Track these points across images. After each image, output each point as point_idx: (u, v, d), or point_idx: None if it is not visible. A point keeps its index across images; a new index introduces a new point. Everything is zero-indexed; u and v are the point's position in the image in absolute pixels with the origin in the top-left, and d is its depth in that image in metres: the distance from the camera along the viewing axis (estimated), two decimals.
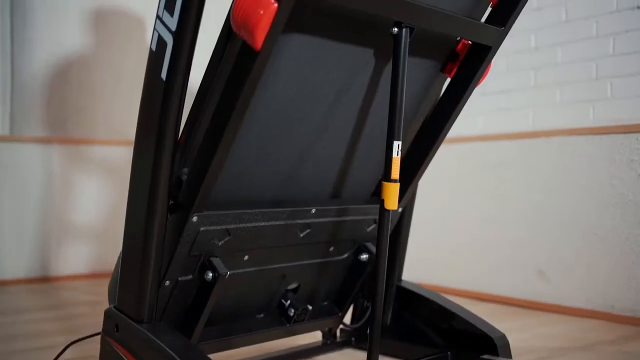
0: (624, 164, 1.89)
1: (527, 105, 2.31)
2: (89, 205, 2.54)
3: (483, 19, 1.10)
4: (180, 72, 0.84)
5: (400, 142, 0.95)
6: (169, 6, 0.84)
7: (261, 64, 0.80)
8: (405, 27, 0.93)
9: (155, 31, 0.86)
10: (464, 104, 1.14)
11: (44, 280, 2.42)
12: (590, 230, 1.97)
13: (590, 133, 1.93)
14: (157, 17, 0.86)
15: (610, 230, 1.91)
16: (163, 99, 0.85)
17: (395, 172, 0.95)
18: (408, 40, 0.94)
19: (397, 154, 0.94)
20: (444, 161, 2.40)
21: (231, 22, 0.81)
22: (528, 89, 2.31)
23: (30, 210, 2.40)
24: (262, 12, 0.77)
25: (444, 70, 1.14)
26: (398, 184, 0.95)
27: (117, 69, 2.62)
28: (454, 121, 1.15)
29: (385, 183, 0.95)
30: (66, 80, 2.51)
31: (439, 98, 1.18)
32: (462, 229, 2.39)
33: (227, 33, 0.87)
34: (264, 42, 0.78)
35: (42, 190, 2.43)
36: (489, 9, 1.10)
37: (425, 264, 2.48)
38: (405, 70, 0.95)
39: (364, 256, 1.22)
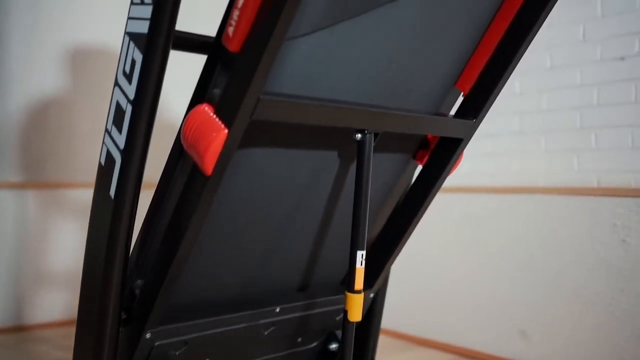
0: (607, 228, 1.85)
1: (512, 150, 2.27)
2: (65, 251, 2.49)
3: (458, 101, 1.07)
4: (130, 191, 0.80)
5: (364, 252, 0.91)
6: (117, 121, 0.80)
7: (213, 187, 0.76)
8: (369, 133, 0.89)
9: (104, 144, 0.82)
10: (437, 191, 1.11)
11: (18, 329, 2.36)
12: (574, 292, 1.94)
13: (573, 193, 1.90)
14: (106, 130, 0.82)
15: (594, 294, 1.88)
16: (112, 217, 0.81)
17: (359, 283, 0.91)
18: (372, 145, 0.90)
19: (361, 264, 0.90)
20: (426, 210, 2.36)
21: (182, 140, 0.77)
22: (513, 134, 2.28)
23: (4, 257, 2.35)
24: (211, 137, 0.73)
25: (415, 157, 1.11)
26: (362, 295, 0.91)
27: (96, 110, 2.57)
28: (426, 208, 1.12)
29: (348, 294, 0.91)
30: (42, 123, 2.46)
31: (411, 184, 1.14)
32: (443, 283, 2.35)
33: (179, 149, 0.83)
34: (215, 167, 0.74)
35: (16, 236, 2.37)
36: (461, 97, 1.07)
37: (406, 313, 2.44)
38: (370, 176, 0.91)
39: (334, 346, 1.18)
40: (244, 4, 0.68)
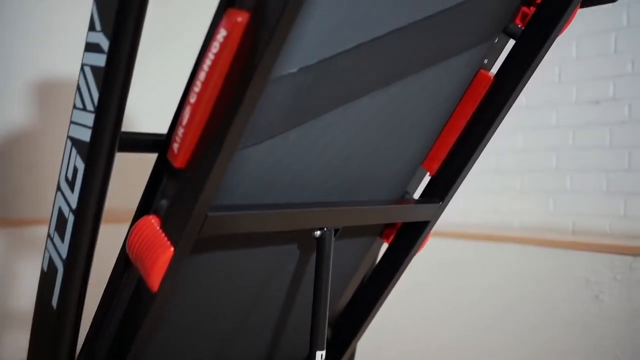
0: (581, 283, 1.83)
1: (488, 189, 2.26)
2: (32, 290, 2.42)
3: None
4: (73, 303, 0.75)
5: (323, 352, 0.87)
6: (59, 228, 0.75)
7: (161, 302, 0.72)
8: (329, 229, 0.85)
9: (46, 250, 0.78)
10: (403, 271, 1.07)
11: None
12: (548, 346, 1.91)
13: (547, 245, 1.88)
14: (48, 235, 0.77)
15: (569, 351, 1.85)
16: (54, 328, 0.76)
17: None
18: (332, 240, 0.87)
19: None
20: None
21: (127, 250, 0.72)
22: (489, 174, 2.26)
23: None
24: (156, 255, 0.69)
25: (381, 235, 1.07)
26: None
27: (63, 145, 2.51)
28: (392, 287, 1.08)
29: None
30: (6, 158, 2.40)
31: (376, 262, 1.11)
32: (413, 330, 2.32)
33: (126, 258, 0.79)
34: (162, 283, 0.70)
35: None
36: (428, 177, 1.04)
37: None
38: (330, 273, 0.87)
39: None
40: (189, 121, 0.64)
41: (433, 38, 0.81)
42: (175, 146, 0.66)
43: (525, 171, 2.18)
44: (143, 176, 0.79)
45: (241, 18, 0.59)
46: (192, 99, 0.63)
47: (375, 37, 0.74)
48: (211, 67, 0.61)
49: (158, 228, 0.70)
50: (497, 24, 0.89)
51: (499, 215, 2.25)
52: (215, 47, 0.61)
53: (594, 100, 2.01)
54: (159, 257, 0.68)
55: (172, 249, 0.68)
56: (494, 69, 0.96)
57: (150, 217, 0.71)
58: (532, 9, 0.89)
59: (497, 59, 0.96)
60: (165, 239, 0.68)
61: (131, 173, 2.06)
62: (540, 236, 2.02)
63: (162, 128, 0.78)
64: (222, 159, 0.63)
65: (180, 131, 0.65)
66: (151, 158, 0.76)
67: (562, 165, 2.09)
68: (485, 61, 0.94)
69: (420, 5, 0.75)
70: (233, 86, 0.62)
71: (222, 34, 0.60)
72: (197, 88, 0.63)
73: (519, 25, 0.91)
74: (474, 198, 2.28)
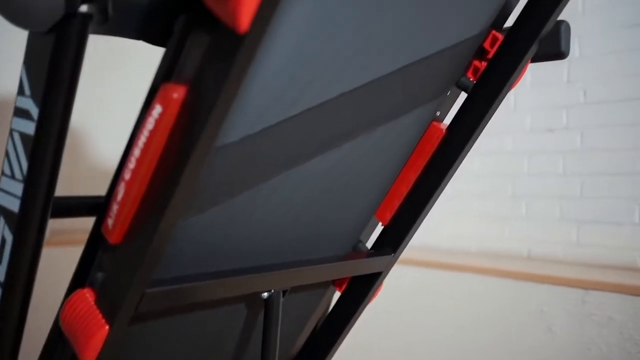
0: (535, 314, 1.84)
1: (447, 215, 2.26)
2: None
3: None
4: None
5: None
6: None
7: None
8: (277, 291, 0.83)
9: None
10: (356, 320, 1.05)
11: None
12: None
13: (503, 275, 1.89)
14: None
15: None
16: None
17: None
18: (280, 301, 0.84)
19: None
20: None
21: (60, 323, 0.68)
22: (446, 198, 2.26)
23: None
24: (90, 333, 0.65)
25: (334, 283, 1.05)
26: None
27: None
28: (345, 336, 1.06)
29: None
30: None
31: (329, 310, 1.09)
32: (367, 357, 2.30)
33: (59, 329, 0.74)
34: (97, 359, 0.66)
35: None
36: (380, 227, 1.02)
37: None
38: (278, 334, 0.84)
39: None
40: (124, 198, 0.61)
41: (385, 98, 0.79)
42: (110, 222, 0.62)
43: (482, 196, 2.20)
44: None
45: (177, 94, 0.56)
46: (127, 175, 0.60)
47: (323, 101, 0.71)
48: (146, 145, 0.58)
49: (92, 303, 0.66)
50: (450, 79, 0.88)
51: (456, 240, 2.25)
52: (150, 123, 0.57)
53: (548, 128, 2.03)
54: (93, 335, 0.65)
55: (107, 327, 0.64)
56: (447, 119, 0.95)
57: (85, 290, 0.67)
58: (484, 64, 0.88)
59: (449, 110, 0.95)
60: (100, 315, 0.65)
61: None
62: (496, 261, 2.03)
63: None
64: (160, 235, 0.60)
65: (115, 207, 0.62)
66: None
67: (517, 191, 2.11)
68: (438, 113, 0.92)
69: (371, 67, 0.73)
70: (171, 162, 0.58)
71: (157, 110, 0.57)
72: (131, 165, 0.59)
73: (471, 79, 0.90)
74: (432, 222, 2.28)
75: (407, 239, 0.98)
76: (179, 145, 0.58)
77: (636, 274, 1.75)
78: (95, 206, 0.74)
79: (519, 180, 2.09)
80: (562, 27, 0.86)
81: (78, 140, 2.31)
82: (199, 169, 0.58)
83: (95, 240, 0.71)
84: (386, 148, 0.88)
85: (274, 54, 0.62)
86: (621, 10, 1.85)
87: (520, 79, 0.90)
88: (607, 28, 1.88)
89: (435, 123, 0.92)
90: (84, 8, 0.61)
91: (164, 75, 0.60)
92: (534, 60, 0.89)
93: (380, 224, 1.00)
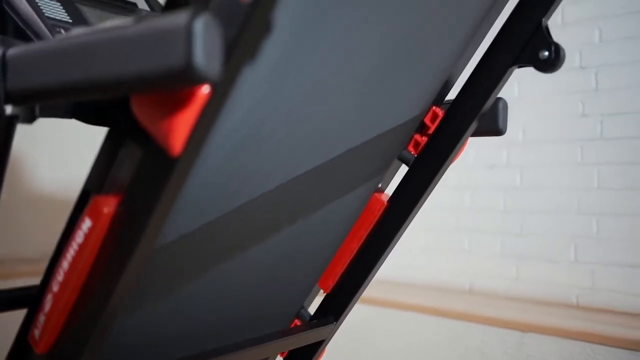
0: (475, 355, 1.87)
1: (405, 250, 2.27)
2: None
3: None
4: None
5: None
6: None
7: None
8: None
9: None
10: None
11: None
12: None
13: (443, 315, 1.91)
14: None
15: None
16: None
17: None
18: None
19: None
20: None
21: None
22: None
23: None
24: None
25: None
26: None
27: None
28: None
29: None
30: None
31: None
32: None
33: None
34: None
35: None
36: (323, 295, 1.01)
37: None
38: None
39: None
40: (52, 310, 0.58)
41: (327, 181, 0.78)
42: (36, 332, 0.60)
43: (427, 229, 2.22)
44: None
45: (108, 208, 0.54)
46: (55, 287, 0.57)
47: (265, 191, 0.70)
48: (75, 258, 0.55)
49: None
50: (393, 154, 0.89)
51: (404, 271, 2.27)
52: (79, 236, 0.55)
53: (489, 165, 2.07)
54: None
55: None
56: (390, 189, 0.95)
57: None
58: (425, 138, 0.89)
59: (390, 180, 0.95)
60: None
61: None
62: (439, 296, 2.06)
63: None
64: (92, 346, 0.58)
65: (42, 318, 0.59)
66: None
67: (460, 224, 2.15)
68: (380, 185, 0.93)
69: (312, 155, 0.73)
70: (103, 271, 0.56)
71: (87, 224, 0.55)
72: (60, 277, 0.57)
73: (412, 152, 0.90)
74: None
75: (349, 307, 0.98)
76: (111, 255, 0.56)
77: (572, 312, 1.80)
78: (28, 298, 0.71)
79: (462, 214, 2.13)
80: (500, 105, 0.87)
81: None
82: (134, 277, 0.56)
83: (24, 339, 0.68)
84: (329, 223, 0.88)
85: (211, 157, 0.61)
86: None
87: (461, 152, 0.91)
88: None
89: (376, 195, 0.93)
90: (9, 110, 0.58)
91: (95, 184, 0.57)
92: (473, 135, 0.90)
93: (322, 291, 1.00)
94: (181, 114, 0.47)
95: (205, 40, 0.42)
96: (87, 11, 0.92)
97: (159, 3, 1.06)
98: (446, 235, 2.17)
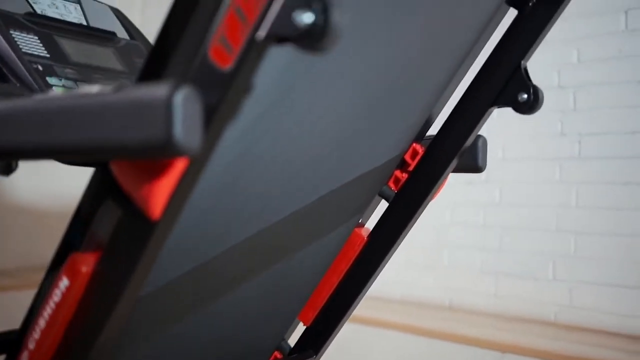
0: None
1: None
2: None
3: None
4: None
5: None
6: None
7: None
8: None
9: None
10: None
11: None
12: None
13: (423, 334, 1.92)
14: None
15: None
16: None
17: None
18: None
19: None
20: None
21: None
22: None
23: None
24: None
25: None
26: None
27: None
28: None
29: None
30: None
31: None
32: None
33: None
34: None
35: None
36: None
37: None
38: None
39: None
40: None
41: (308, 223, 0.78)
42: None
43: (407, 244, 2.23)
44: None
45: (86, 267, 0.54)
46: (31, 345, 0.56)
47: (244, 238, 0.70)
48: (52, 316, 0.55)
49: None
50: (373, 191, 0.89)
51: (382, 286, 2.27)
52: (56, 294, 0.54)
53: (468, 181, 2.09)
54: None
55: None
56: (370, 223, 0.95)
57: None
58: (405, 175, 0.89)
59: (371, 215, 0.95)
60: None
61: None
62: (418, 312, 2.07)
63: None
64: None
65: None
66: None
67: (440, 240, 2.16)
68: (360, 220, 0.93)
69: (294, 200, 0.73)
70: (80, 330, 0.56)
71: (64, 282, 0.54)
72: (36, 335, 0.56)
73: (392, 189, 0.91)
74: None
75: (329, 340, 0.98)
76: (89, 313, 0.55)
77: (551, 330, 1.82)
78: (5, 343, 0.70)
79: (443, 230, 2.14)
80: (480, 143, 0.88)
81: None
82: (112, 333, 0.56)
83: None
84: (310, 258, 0.88)
85: (191, 213, 0.60)
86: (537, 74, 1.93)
87: (441, 189, 0.92)
88: None
89: (357, 230, 0.93)
90: None
91: (73, 240, 0.57)
92: (453, 171, 0.91)
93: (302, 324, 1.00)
94: (160, 180, 0.47)
95: (185, 114, 0.42)
96: (66, 44, 0.91)
97: (138, 31, 1.05)
98: (426, 251, 2.18)
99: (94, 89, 0.47)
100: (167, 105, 0.42)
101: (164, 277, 0.64)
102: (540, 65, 1.85)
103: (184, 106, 0.42)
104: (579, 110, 1.86)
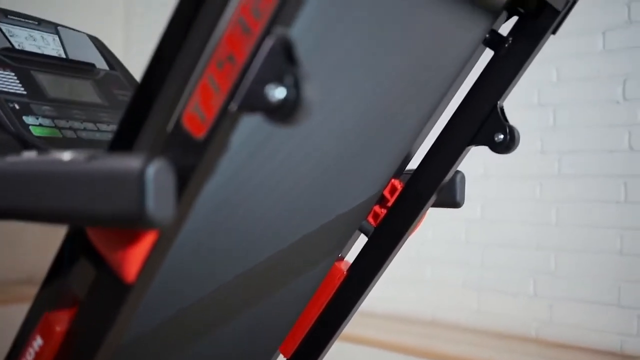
0: None
1: None
2: None
3: None
4: None
5: None
6: None
7: None
8: None
9: None
10: None
11: None
12: None
13: (401, 351, 1.92)
14: None
15: None
16: None
17: None
18: None
19: None
20: None
21: None
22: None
23: None
24: None
25: None
26: None
27: None
28: None
29: None
30: None
31: None
32: None
33: None
34: None
35: None
36: None
37: None
38: None
39: None
40: None
41: (288, 263, 0.79)
42: None
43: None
44: None
45: (60, 327, 0.53)
46: None
47: (223, 282, 0.70)
48: None
49: None
50: (353, 226, 0.89)
51: (365, 300, 2.28)
52: (30, 353, 0.54)
53: None
54: None
55: None
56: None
57: None
58: (384, 211, 0.90)
59: (351, 248, 0.96)
60: None
61: None
62: (401, 327, 2.07)
63: None
64: None
65: None
66: None
67: (422, 255, 2.17)
68: (340, 255, 0.93)
69: (272, 244, 0.73)
70: None
71: (38, 342, 0.54)
72: None
73: (372, 224, 0.91)
74: None
75: None
76: None
77: (532, 346, 1.84)
78: None
79: (423, 247, 2.15)
80: (458, 179, 0.89)
81: None
82: None
83: None
84: (291, 293, 0.88)
85: (166, 271, 0.60)
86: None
87: (420, 223, 0.92)
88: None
89: (337, 264, 0.93)
90: None
91: (47, 299, 0.56)
92: (432, 206, 0.92)
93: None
94: (134, 246, 0.47)
95: (157, 187, 0.42)
96: (43, 79, 0.90)
97: (117, 60, 1.05)
98: (409, 266, 2.19)
99: (65, 156, 0.46)
100: (139, 179, 0.42)
101: (140, 328, 0.64)
102: (520, 82, 1.86)
103: (156, 180, 0.42)
104: (558, 128, 1.88)
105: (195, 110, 0.45)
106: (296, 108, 0.42)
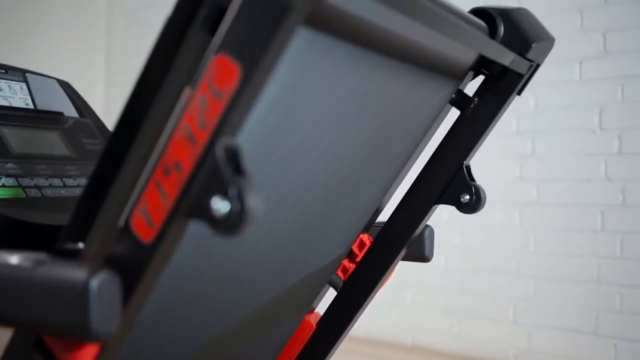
0: None
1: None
2: None
3: None
4: None
5: None
6: None
7: None
8: None
9: None
10: None
11: None
12: None
13: None
14: None
15: None
16: None
17: None
18: None
19: None
20: None
21: None
22: None
23: None
24: None
25: None
26: None
27: None
28: None
29: None
30: None
31: None
32: None
33: None
34: None
35: None
36: None
37: None
38: None
39: None
40: None
41: (257, 322, 0.79)
42: None
43: None
44: None
45: None
46: None
47: (192, 346, 0.70)
48: None
49: None
50: (323, 281, 0.89)
51: None
52: None
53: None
54: None
55: None
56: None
57: None
58: (353, 265, 0.90)
59: (321, 300, 0.96)
60: None
61: None
62: (381, 349, 2.08)
63: None
64: None
65: None
66: None
67: (404, 280, 2.17)
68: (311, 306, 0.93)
69: (238, 309, 0.73)
70: None
71: None
72: None
73: (341, 278, 0.91)
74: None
75: None
76: None
77: None
78: None
79: (407, 270, 2.15)
80: (427, 233, 0.89)
81: None
82: None
83: None
84: (261, 348, 0.88)
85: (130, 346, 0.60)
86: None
87: (390, 277, 0.92)
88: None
89: (307, 317, 0.93)
90: None
91: None
92: (402, 259, 0.92)
93: None
94: (83, 349, 0.46)
95: (101, 300, 0.42)
96: (8, 134, 0.89)
97: (87, 106, 1.04)
98: (389, 290, 2.19)
99: (13, 259, 0.46)
100: (83, 292, 0.41)
101: None
102: None
103: (100, 292, 0.42)
104: (537, 156, 1.89)
105: (143, 214, 0.45)
106: (241, 220, 0.42)
